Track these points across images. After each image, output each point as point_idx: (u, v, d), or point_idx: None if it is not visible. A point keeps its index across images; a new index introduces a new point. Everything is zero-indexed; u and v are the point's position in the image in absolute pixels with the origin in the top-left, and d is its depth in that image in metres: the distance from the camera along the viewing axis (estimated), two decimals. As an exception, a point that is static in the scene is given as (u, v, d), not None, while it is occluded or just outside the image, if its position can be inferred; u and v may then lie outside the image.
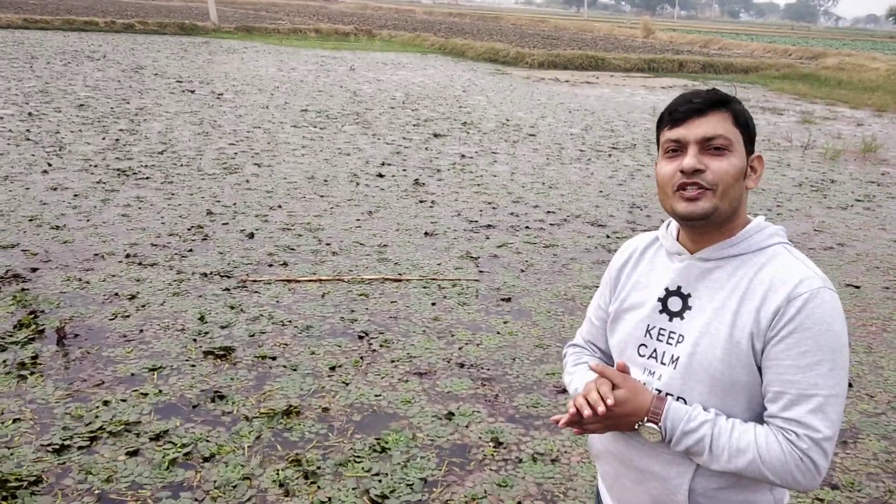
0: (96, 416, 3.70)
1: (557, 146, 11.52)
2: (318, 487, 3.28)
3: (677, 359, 1.58)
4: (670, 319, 1.61)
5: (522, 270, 6.11)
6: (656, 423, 1.54)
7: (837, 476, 3.60)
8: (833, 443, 1.48)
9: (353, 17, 43.45)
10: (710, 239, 1.60)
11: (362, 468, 3.43)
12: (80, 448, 3.44)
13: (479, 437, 3.74)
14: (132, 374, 4.12)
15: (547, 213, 7.84)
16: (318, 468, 3.41)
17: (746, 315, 1.51)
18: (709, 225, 1.58)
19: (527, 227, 7.27)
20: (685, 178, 1.55)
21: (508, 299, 5.49)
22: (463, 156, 10.38)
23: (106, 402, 3.82)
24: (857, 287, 6.20)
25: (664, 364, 1.61)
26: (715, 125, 1.54)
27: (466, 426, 3.84)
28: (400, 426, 3.79)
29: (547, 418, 3.95)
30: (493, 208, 7.87)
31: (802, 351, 1.46)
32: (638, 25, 47.30)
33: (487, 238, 6.86)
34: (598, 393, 1.56)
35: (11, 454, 3.37)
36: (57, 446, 3.44)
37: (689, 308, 1.59)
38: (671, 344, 1.60)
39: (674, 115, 1.58)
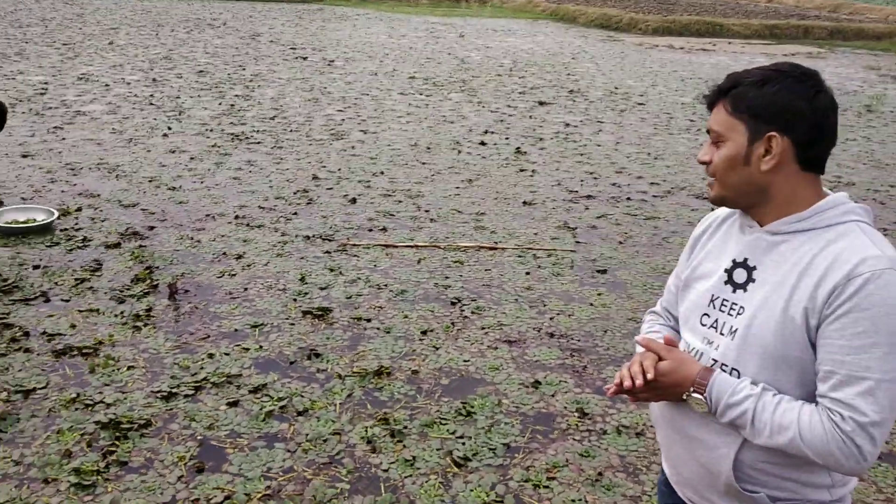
0: (201, 368, 3.93)
1: (667, 115, 11.21)
2: (404, 446, 3.40)
3: (735, 330, 1.59)
4: (734, 291, 1.62)
5: (620, 242, 6.04)
6: (702, 394, 1.55)
7: (941, 468, 3.44)
8: (883, 429, 1.44)
9: (466, -18, 43.18)
10: (762, 218, 1.61)
11: (447, 430, 3.52)
12: (185, 396, 3.68)
13: (565, 407, 3.77)
14: (236, 330, 4.35)
15: (651, 184, 7.68)
16: (405, 428, 3.52)
17: (804, 290, 1.49)
18: (738, 207, 1.65)
19: (628, 199, 7.15)
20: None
21: (604, 271, 5.44)
22: (567, 124, 10.25)
23: (211, 355, 4.06)
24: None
25: (723, 335, 1.61)
26: (712, 120, 1.62)
27: (552, 395, 3.87)
28: (486, 392, 3.86)
29: (635, 392, 3.93)
30: (595, 178, 7.77)
31: (857, 332, 1.42)
32: (762, -11, 44.97)
33: (587, 209, 6.80)
34: (641, 365, 1.59)
35: (125, 398, 3.63)
36: (165, 393, 3.69)
37: (753, 280, 1.59)
38: (732, 315, 1.60)
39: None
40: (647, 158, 8.68)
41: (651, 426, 3.63)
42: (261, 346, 4.18)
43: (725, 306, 1.62)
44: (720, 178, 1.59)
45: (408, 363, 4.10)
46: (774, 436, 1.48)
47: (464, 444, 3.44)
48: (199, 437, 3.39)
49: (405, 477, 3.20)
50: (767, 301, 1.54)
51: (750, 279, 1.59)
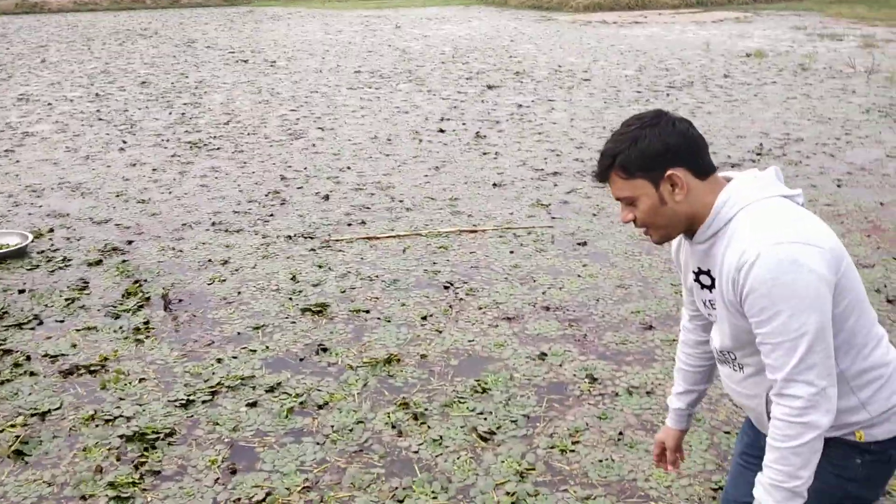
0: (213, 373, 3.95)
1: (613, 89, 11.45)
2: (429, 427, 3.48)
3: (716, 322, 1.89)
4: (710, 291, 1.86)
5: (594, 214, 6.20)
6: None
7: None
8: (810, 372, 1.66)
9: (391, -27, 42.96)
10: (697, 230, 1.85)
11: (467, 408, 3.62)
12: (203, 402, 3.71)
13: (574, 375, 3.90)
14: (238, 333, 4.37)
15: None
16: (426, 410, 3.61)
17: (725, 285, 1.75)
18: (679, 234, 1.86)
19: (593, 172, 7.31)
20: None
21: (584, 243, 5.60)
22: (520, 105, 10.40)
23: (219, 360, 4.08)
24: (936, 210, 6.13)
25: (715, 325, 1.92)
26: (615, 189, 1.82)
27: (560, 365, 4.00)
28: (496, 368, 3.97)
29: (637, 354, 4.09)
30: (557, 155, 7.92)
31: (760, 308, 1.67)
32: (682, -41, 45.78)
33: (555, 185, 6.95)
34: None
35: (143, 410, 3.64)
36: (183, 401, 3.70)
37: (715, 279, 1.82)
38: (714, 309, 1.88)
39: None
40: (603, 132, 8.87)
41: (660, 384, 3.79)
42: (267, 347, 4.21)
43: (710, 304, 1.89)
44: (653, 226, 1.82)
45: (415, 348, 4.18)
46: (806, 469, 1.70)
47: (485, 419, 3.54)
48: (226, 440, 3.42)
49: (436, 456, 3.29)
50: (719, 296, 1.81)
51: (712, 279, 1.83)
